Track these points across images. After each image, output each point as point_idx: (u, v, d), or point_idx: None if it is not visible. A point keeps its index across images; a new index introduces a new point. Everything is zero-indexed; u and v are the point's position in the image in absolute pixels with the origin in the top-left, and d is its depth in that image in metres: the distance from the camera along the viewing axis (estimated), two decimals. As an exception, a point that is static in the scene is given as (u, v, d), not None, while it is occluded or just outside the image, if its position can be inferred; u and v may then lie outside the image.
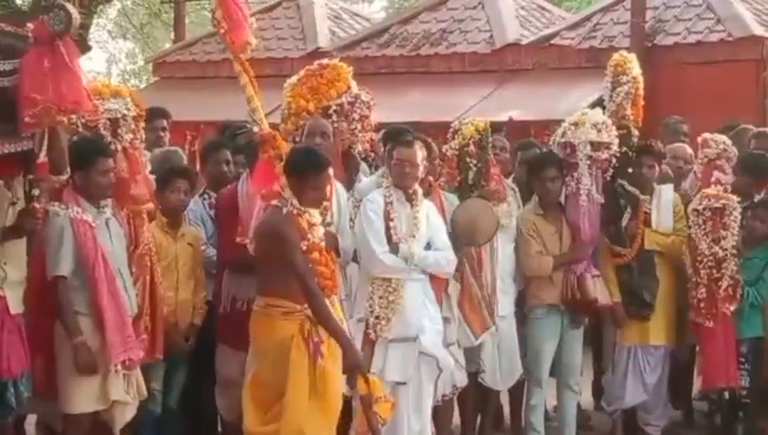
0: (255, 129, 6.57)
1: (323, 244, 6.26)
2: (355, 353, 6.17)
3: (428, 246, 7.14)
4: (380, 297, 6.96)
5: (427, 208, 7.19)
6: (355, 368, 6.17)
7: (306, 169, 6.17)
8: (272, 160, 6.33)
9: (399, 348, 6.96)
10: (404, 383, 6.97)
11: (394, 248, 7.03)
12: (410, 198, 7.11)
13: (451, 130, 7.93)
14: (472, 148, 7.72)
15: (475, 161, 7.71)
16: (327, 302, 6.12)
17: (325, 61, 7.64)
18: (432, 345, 7.05)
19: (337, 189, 7.05)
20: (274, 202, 6.25)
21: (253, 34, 6.56)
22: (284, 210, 6.15)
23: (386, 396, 6.34)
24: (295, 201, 6.14)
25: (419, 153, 7.09)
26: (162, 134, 8.59)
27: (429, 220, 7.16)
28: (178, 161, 7.93)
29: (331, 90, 7.35)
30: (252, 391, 6.29)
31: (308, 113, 7.28)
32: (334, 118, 7.28)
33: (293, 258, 6.06)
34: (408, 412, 6.99)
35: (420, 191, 7.18)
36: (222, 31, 6.52)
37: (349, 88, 7.43)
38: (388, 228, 7.04)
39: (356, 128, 7.39)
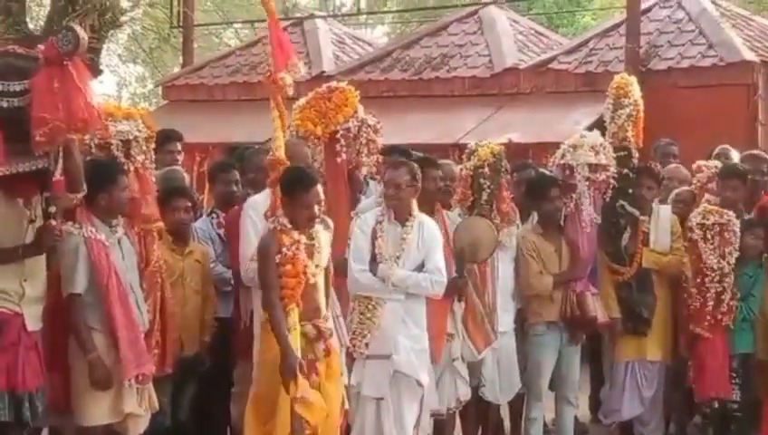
0: (269, 154, 6.62)
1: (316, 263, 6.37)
2: (290, 359, 6.09)
3: (421, 268, 7.15)
4: (360, 313, 7.00)
5: (424, 229, 7.16)
6: (286, 372, 6.12)
7: (294, 188, 6.29)
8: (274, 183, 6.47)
9: (375, 365, 6.98)
10: (381, 399, 7.00)
11: (377, 268, 7.08)
12: (402, 219, 7.14)
13: (467, 150, 8.03)
14: (486, 170, 7.81)
15: (488, 183, 7.79)
16: (282, 311, 6.18)
17: (334, 84, 7.67)
18: (406, 364, 7.02)
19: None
20: (270, 224, 6.39)
21: (290, 70, 6.64)
22: (271, 226, 6.32)
23: (306, 398, 6.16)
24: (284, 219, 6.27)
25: (405, 176, 7.07)
26: (177, 156, 8.63)
27: (425, 241, 7.13)
28: (179, 181, 7.99)
29: (339, 115, 7.37)
30: (253, 404, 6.41)
31: (316, 138, 7.35)
32: (342, 142, 7.32)
33: (261, 268, 6.25)
34: (390, 429, 7.00)
35: (415, 212, 7.17)
36: (268, 75, 6.57)
37: (356, 112, 7.44)
38: (374, 247, 7.11)
39: (362, 151, 7.42)
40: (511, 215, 8.02)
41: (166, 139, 8.44)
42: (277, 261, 6.20)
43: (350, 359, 7.02)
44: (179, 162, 8.66)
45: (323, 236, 6.50)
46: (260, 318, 6.65)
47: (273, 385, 6.23)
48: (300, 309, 6.25)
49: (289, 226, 6.28)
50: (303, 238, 6.30)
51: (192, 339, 7.48)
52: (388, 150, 7.91)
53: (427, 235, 7.16)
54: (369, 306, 7.02)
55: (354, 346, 6.99)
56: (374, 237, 7.10)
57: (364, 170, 7.53)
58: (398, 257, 7.07)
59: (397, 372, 7.01)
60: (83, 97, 5.63)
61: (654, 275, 8.26)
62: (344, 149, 7.34)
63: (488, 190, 7.81)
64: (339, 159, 7.29)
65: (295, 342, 6.18)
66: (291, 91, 6.62)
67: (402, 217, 7.14)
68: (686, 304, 8.08)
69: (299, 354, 6.15)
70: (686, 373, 8.21)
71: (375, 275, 7.02)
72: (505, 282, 8.04)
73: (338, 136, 7.33)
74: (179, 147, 8.74)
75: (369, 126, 7.45)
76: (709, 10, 14.90)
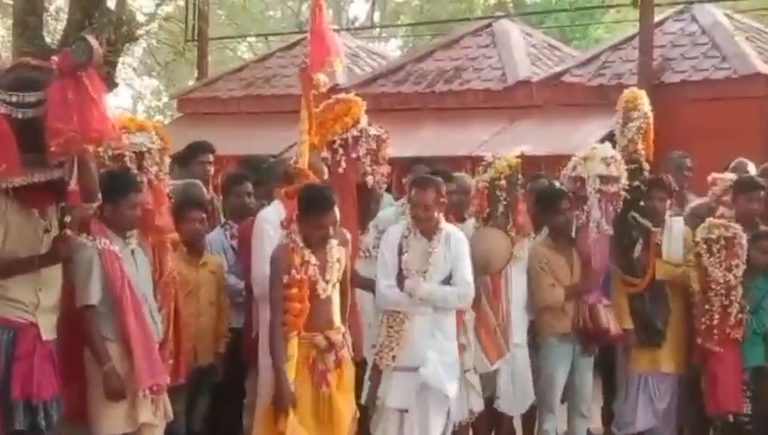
0: (293, 160, 6.64)
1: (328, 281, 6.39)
2: (283, 390, 6.18)
3: (449, 280, 7.17)
4: (389, 327, 7.02)
5: (451, 242, 7.17)
6: (278, 403, 6.20)
7: (311, 209, 6.29)
8: (291, 195, 6.51)
9: (402, 377, 6.99)
10: (406, 411, 7.02)
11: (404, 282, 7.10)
12: (429, 233, 7.14)
13: (484, 163, 8.03)
14: (503, 182, 7.82)
15: (504, 195, 7.80)
16: (282, 340, 6.21)
17: (342, 95, 7.61)
18: (433, 377, 7.04)
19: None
20: (284, 239, 6.40)
21: (326, 69, 6.73)
22: (284, 241, 6.33)
23: None
24: (297, 236, 6.28)
25: (432, 195, 7.08)
26: (208, 168, 8.72)
27: (452, 253, 7.14)
28: (197, 193, 8.03)
29: (336, 125, 7.26)
30: (263, 418, 6.43)
31: (312, 147, 7.19)
32: (340, 152, 7.24)
33: (270, 283, 6.28)
34: None
35: (442, 224, 7.18)
36: (303, 67, 6.65)
37: (356, 123, 7.33)
38: (400, 262, 7.11)
39: (364, 162, 7.30)
40: (526, 227, 8.03)
41: (198, 149, 8.54)
42: (285, 281, 6.22)
43: (377, 372, 7.05)
44: (210, 173, 8.72)
45: (336, 251, 6.48)
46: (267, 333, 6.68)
47: None
48: (305, 324, 6.27)
49: (301, 244, 6.29)
50: (313, 259, 6.31)
51: (206, 349, 7.54)
52: (414, 163, 7.92)
53: (455, 247, 7.17)
54: (398, 320, 7.05)
55: (381, 358, 7.01)
56: (400, 252, 7.12)
57: (370, 180, 7.39)
58: (424, 272, 7.08)
59: (425, 385, 7.02)
60: (98, 108, 5.64)
61: (667, 286, 8.27)
62: (343, 158, 7.24)
63: (504, 203, 7.82)
64: (340, 169, 7.22)
65: (291, 372, 6.23)
66: (324, 89, 6.62)
67: (429, 232, 7.15)
68: (694, 318, 8.08)
69: (292, 388, 6.21)
70: (700, 386, 8.19)
71: (402, 289, 7.04)
72: (519, 294, 8.05)
73: (335, 146, 7.24)
74: (211, 158, 8.80)
75: (371, 136, 7.34)
76: (723, 23, 14.91)
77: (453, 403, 7.21)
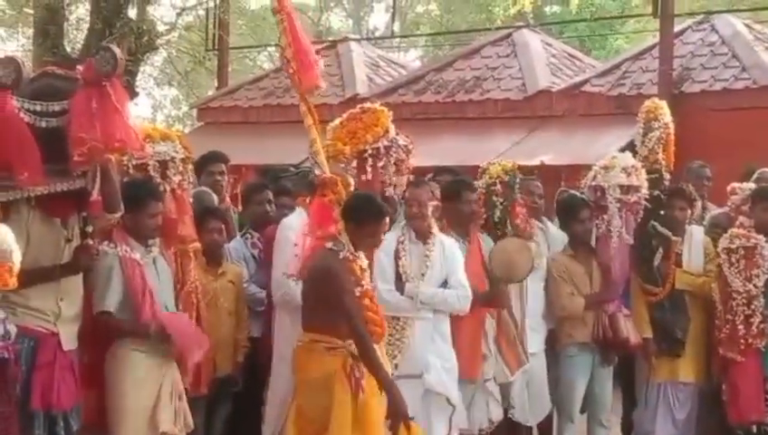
0: (317, 171, 6.62)
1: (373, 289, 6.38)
2: (398, 399, 6.13)
3: (446, 284, 7.23)
4: (389, 335, 6.91)
5: (445, 247, 7.27)
6: (397, 414, 6.13)
7: (366, 217, 6.28)
8: (330, 203, 6.44)
9: (405, 384, 6.85)
10: (412, 418, 6.96)
11: (403, 287, 7.14)
12: (424, 237, 7.22)
13: (479, 170, 8.13)
14: (498, 187, 7.89)
15: (501, 200, 7.88)
16: (374, 349, 6.19)
17: (367, 105, 7.65)
18: (438, 383, 7.08)
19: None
20: (328, 245, 6.33)
21: (321, 78, 6.68)
22: (341, 255, 6.25)
23: None
24: (351, 246, 6.27)
25: (429, 193, 7.20)
26: (219, 178, 8.65)
27: (447, 258, 7.23)
28: (208, 202, 8.01)
29: (368, 134, 7.30)
30: (295, 423, 6.40)
31: (344, 157, 7.27)
32: (370, 162, 7.27)
33: (348, 303, 6.14)
34: None
35: (435, 229, 7.25)
36: (291, 71, 6.58)
37: (386, 132, 7.39)
38: (398, 266, 7.16)
39: (391, 171, 7.34)
40: (526, 230, 8.02)
41: (211, 159, 8.52)
42: (357, 294, 6.19)
43: None
44: (221, 183, 8.67)
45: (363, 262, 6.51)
46: (287, 338, 6.71)
47: (319, 406, 6.23)
48: (340, 333, 6.23)
49: (357, 253, 6.28)
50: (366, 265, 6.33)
51: (225, 359, 7.53)
52: (438, 172, 7.93)
53: (449, 252, 7.28)
54: (398, 326, 7.08)
55: None
56: (397, 257, 7.18)
57: (391, 190, 7.41)
58: (423, 275, 7.14)
59: (428, 391, 7.03)
60: (121, 117, 5.66)
61: (687, 296, 8.26)
62: (371, 168, 7.26)
63: (501, 207, 7.89)
64: (364, 178, 7.21)
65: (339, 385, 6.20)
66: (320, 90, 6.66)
67: (423, 235, 7.23)
68: (716, 328, 8.05)
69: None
70: (720, 396, 8.16)
71: (402, 293, 7.07)
72: (534, 302, 8.06)
73: (366, 156, 7.26)
74: (223, 168, 8.75)
75: (400, 146, 7.40)
76: (742, 33, 14.89)
77: (455, 410, 7.22)
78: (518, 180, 8.02)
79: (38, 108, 5.63)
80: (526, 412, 8.03)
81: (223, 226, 7.68)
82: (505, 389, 7.85)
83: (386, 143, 7.34)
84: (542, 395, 8.10)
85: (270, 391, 7.13)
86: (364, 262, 6.37)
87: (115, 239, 6.27)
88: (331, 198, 6.44)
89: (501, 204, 7.90)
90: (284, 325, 7.07)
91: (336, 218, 6.33)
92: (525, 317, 7.93)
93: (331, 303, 6.17)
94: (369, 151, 7.28)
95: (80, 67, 5.79)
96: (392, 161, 7.35)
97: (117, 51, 5.71)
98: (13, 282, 5.26)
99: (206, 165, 8.48)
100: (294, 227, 6.93)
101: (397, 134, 7.46)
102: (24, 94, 5.62)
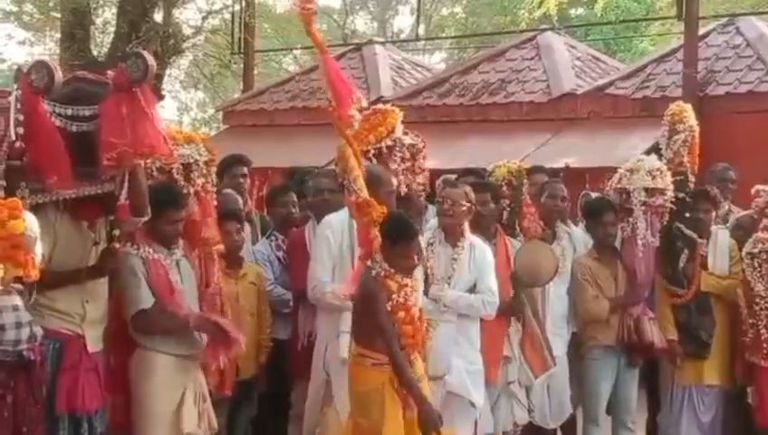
0: (353, 197, 6.51)
1: (416, 303, 6.35)
2: (429, 410, 6.15)
3: (473, 290, 7.23)
4: None
5: (476, 250, 7.26)
6: (430, 424, 6.14)
7: (396, 238, 6.26)
8: (368, 224, 6.39)
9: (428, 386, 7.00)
10: None
11: (428, 288, 7.13)
12: (454, 239, 7.24)
13: (486, 172, 8.17)
14: (505, 189, 7.92)
15: (508, 201, 7.91)
16: (406, 359, 6.18)
17: (380, 105, 7.61)
18: (459, 385, 7.09)
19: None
20: (367, 263, 6.34)
21: (355, 106, 6.63)
22: (374, 272, 6.26)
23: None
24: (385, 264, 6.23)
25: (464, 194, 7.19)
26: (242, 181, 8.65)
27: (476, 262, 7.23)
28: (231, 204, 7.99)
29: (371, 135, 7.28)
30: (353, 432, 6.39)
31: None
32: (374, 162, 7.20)
33: (379, 318, 6.17)
34: None
35: (467, 234, 7.26)
36: (330, 109, 6.53)
37: (390, 132, 7.34)
38: (425, 268, 7.14)
39: (399, 172, 7.30)
40: (534, 231, 8.03)
41: (233, 162, 8.55)
42: (389, 308, 6.19)
43: None
44: (244, 186, 8.68)
45: (418, 272, 6.52)
46: (323, 337, 6.77)
47: (368, 420, 6.24)
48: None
49: (391, 270, 6.26)
50: (409, 282, 6.31)
51: (248, 362, 7.50)
52: (466, 174, 7.93)
53: (479, 256, 7.27)
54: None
55: None
56: (425, 258, 7.16)
57: (403, 189, 7.32)
58: (449, 278, 7.15)
59: (449, 393, 7.05)
60: (150, 123, 5.68)
61: (712, 298, 8.24)
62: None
63: (508, 209, 7.91)
64: None
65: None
66: (357, 125, 6.65)
67: (454, 238, 7.24)
68: (741, 332, 8.03)
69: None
70: (746, 399, 8.15)
71: (427, 295, 7.06)
72: (557, 305, 8.07)
73: (369, 156, 7.20)
74: (245, 171, 8.77)
75: (405, 145, 7.37)
76: (767, 35, 14.83)
77: (480, 413, 7.22)
78: (525, 181, 8.05)
79: (69, 112, 5.66)
80: (546, 415, 8.04)
81: (239, 226, 7.64)
82: (527, 391, 7.86)
83: (389, 143, 7.33)
84: (563, 398, 8.10)
85: (310, 389, 7.13)
86: (413, 280, 6.34)
87: (138, 241, 6.28)
88: (365, 220, 6.38)
89: (508, 205, 7.92)
90: (322, 323, 7.14)
91: (374, 237, 6.30)
92: (546, 321, 7.92)
93: (371, 320, 6.22)
94: (372, 151, 7.27)
95: (110, 72, 5.82)
96: (397, 161, 7.32)
97: (148, 57, 5.72)
98: (35, 273, 5.22)
99: (228, 168, 8.51)
100: (334, 225, 6.97)
101: (405, 134, 7.43)
102: (55, 98, 5.65)
